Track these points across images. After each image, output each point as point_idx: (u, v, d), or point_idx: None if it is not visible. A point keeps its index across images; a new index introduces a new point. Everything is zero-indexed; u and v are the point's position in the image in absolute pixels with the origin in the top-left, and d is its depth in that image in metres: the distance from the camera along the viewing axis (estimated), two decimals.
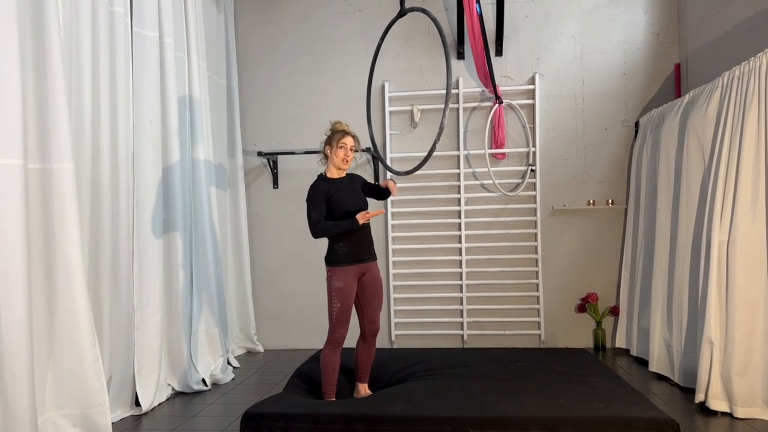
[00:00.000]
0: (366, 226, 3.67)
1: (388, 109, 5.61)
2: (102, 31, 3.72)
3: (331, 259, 3.63)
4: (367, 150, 5.48)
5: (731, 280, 3.60)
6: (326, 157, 3.72)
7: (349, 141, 3.65)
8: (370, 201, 4.57)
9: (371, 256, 3.70)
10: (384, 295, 5.45)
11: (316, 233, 3.57)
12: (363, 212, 3.53)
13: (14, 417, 2.86)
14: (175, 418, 3.85)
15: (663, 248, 4.50)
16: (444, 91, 5.56)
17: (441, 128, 3.63)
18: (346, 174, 3.78)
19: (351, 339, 3.94)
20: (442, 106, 5.55)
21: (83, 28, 3.58)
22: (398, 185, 5.57)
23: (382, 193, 3.80)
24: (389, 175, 5.54)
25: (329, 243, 3.66)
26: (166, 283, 4.29)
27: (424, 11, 3.75)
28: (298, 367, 4.36)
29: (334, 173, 3.71)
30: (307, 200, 3.62)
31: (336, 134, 3.67)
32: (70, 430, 3.31)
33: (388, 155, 5.58)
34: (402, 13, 3.96)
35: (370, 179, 5.62)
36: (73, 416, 3.32)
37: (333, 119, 5.34)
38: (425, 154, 5.43)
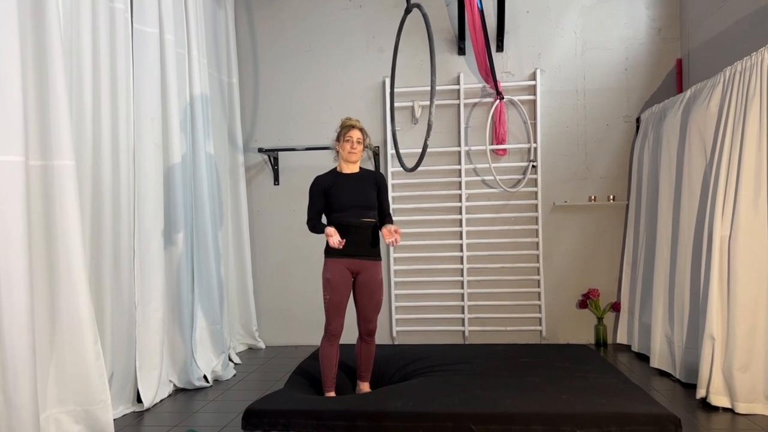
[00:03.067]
0: (365, 225, 3.67)
1: (389, 104, 5.59)
2: (102, 27, 3.71)
3: (325, 250, 3.72)
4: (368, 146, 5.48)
5: (733, 275, 3.60)
6: (338, 153, 3.78)
7: (355, 134, 3.70)
8: None
9: (365, 255, 3.68)
10: (385, 291, 5.47)
11: (309, 229, 3.72)
12: (331, 230, 3.49)
13: (16, 414, 2.86)
14: (176, 415, 3.85)
15: (664, 244, 4.49)
16: (443, 87, 5.58)
17: (429, 125, 3.64)
18: (362, 170, 3.80)
19: (352, 336, 3.95)
20: (443, 102, 5.57)
21: (84, 24, 3.57)
22: (400, 181, 5.56)
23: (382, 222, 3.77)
24: (390, 173, 5.54)
25: None
26: (168, 279, 4.29)
27: (419, 8, 3.73)
28: (300, 363, 4.37)
29: (345, 168, 3.76)
30: (309, 194, 3.75)
31: (343, 129, 3.74)
32: (72, 427, 3.31)
33: (389, 151, 5.57)
34: (408, 10, 3.96)
35: None
36: (75, 413, 3.33)
37: (332, 117, 5.41)
38: (427, 150, 5.47)
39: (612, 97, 5.45)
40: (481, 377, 3.83)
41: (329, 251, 3.67)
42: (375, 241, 3.74)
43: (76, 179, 3.27)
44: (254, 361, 5.26)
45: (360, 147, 3.72)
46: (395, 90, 5.57)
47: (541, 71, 5.49)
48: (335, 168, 3.80)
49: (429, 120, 3.65)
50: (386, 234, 3.56)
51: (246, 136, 5.80)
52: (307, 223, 3.72)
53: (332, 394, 3.69)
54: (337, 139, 3.76)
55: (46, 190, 3.20)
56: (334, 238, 3.46)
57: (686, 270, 4.13)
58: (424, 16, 3.63)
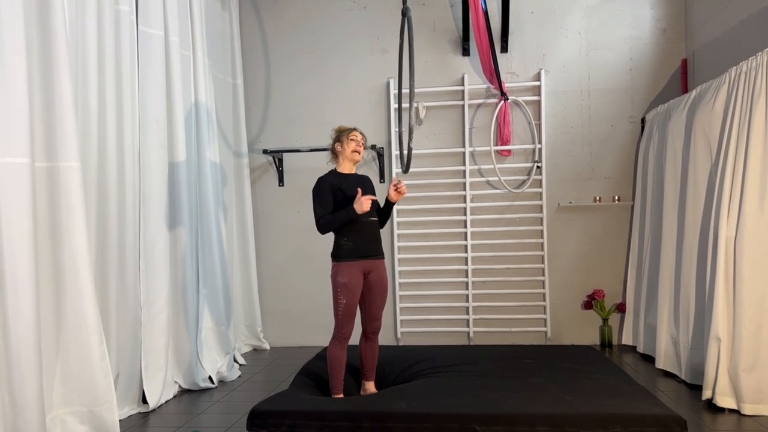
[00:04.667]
0: (373, 224, 3.69)
1: (393, 106, 5.60)
2: (107, 29, 3.73)
3: (336, 254, 3.66)
4: (372, 147, 5.48)
5: (738, 276, 3.58)
6: (335, 155, 3.78)
7: (358, 135, 3.75)
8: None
9: (377, 254, 3.70)
10: (390, 293, 5.47)
11: (321, 228, 3.63)
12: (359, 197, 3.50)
13: (23, 414, 2.87)
14: (181, 416, 3.86)
15: (670, 244, 4.48)
16: (448, 88, 5.58)
17: (410, 129, 3.64)
18: (356, 173, 3.81)
19: (354, 337, 3.94)
20: (448, 102, 5.57)
21: (89, 26, 3.59)
22: (405, 182, 5.54)
23: (384, 213, 3.78)
24: (394, 174, 5.55)
25: (335, 238, 3.68)
26: (173, 280, 4.30)
27: (405, 12, 3.73)
28: (304, 364, 4.37)
29: (345, 168, 3.76)
30: (313, 194, 3.67)
31: (345, 131, 3.76)
32: (78, 428, 3.33)
33: (394, 152, 5.58)
34: (403, 12, 3.95)
35: (375, 177, 5.62)
36: (80, 413, 3.34)
37: (336, 118, 5.41)
38: (431, 150, 5.49)
39: (617, 97, 5.44)
40: (485, 378, 3.82)
41: (342, 254, 3.62)
42: (380, 239, 3.77)
43: (81, 181, 3.29)
44: (259, 362, 5.27)
45: (362, 148, 3.77)
46: (397, 91, 5.58)
47: (546, 72, 5.48)
48: (334, 169, 3.79)
49: (410, 123, 3.67)
50: (393, 191, 3.63)
51: (251, 138, 5.82)
52: (319, 222, 3.59)
53: (341, 396, 3.68)
54: (338, 140, 3.76)
55: (51, 192, 3.22)
56: (365, 199, 3.46)
57: (692, 271, 4.12)
58: (408, 19, 3.63)
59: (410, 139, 3.70)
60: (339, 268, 3.62)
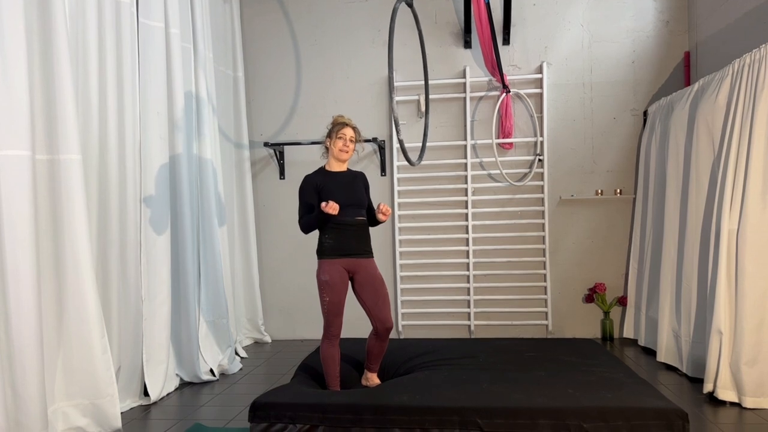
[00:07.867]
0: (359, 223, 3.64)
1: (395, 99, 5.58)
2: (108, 21, 3.71)
3: (318, 252, 3.64)
4: (373, 140, 5.47)
5: (740, 269, 3.58)
6: (327, 149, 3.73)
7: (348, 132, 3.64)
8: None
9: (362, 253, 3.64)
10: (391, 285, 5.47)
11: (301, 228, 3.62)
12: (325, 203, 3.42)
13: (25, 407, 2.88)
14: (183, 408, 3.87)
15: (671, 238, 4.47)
16: (449, 81, 5.56)
17: (396, 121, 3.61)
18: (349, 170, 3.76)
19: (362, 330, 3.94)
20: (449, 95, 5.56)
21: (89, 18, 3.57)
22: (406, 176, 5.56)
23: (374, 218, 3.74)
24: (395, 167, 5.53)
25: (319, 236, 3.66)
26: (174, 274, 4.30)
27: (407, 4, 3.70)
28: (305, 357, 4.37)
29: (334, 166, 3.71)
30: (298, 194, 3.67)
31: (336, 126, 3.68)
32: (80, 420, 3.34)
33: (395, 145, 5.56)
34: (409, 4, 3.91)
35: (377, 170, 5.61)
36: (82, 406, 3.35)
37: (337, 111, 5.39)
38: (432, 143, 5.47)
39: (619, 90, 5.42)
40: (487, 371, 3.82)
41: (323, 252, 3.61)
42: (368, 239, 3.71)
43: (82, 173, 3.28)
44: (260, 355, 5.27)
45: (352, 146, 3.66)
46: (400, 84, 5.58)
47: (548, 64, 5.46)
48: (323, 167, 3.73)
49: (393, 116, 3.65)
50: (381, 212, 3.61)
51: (252, 131, 5.80)
52: (299, 222, 3.62)
53: (340, 390, 3.67)
54: (329, 136, 3.69)
55: (52, 185, 3.21)
56: (332, 205, 3.38)
57: (693, 264, 4.12)
58: (395, 11, 3.60)
59: (398, 131, 3.64)
60: (320, 265, 3.60)
